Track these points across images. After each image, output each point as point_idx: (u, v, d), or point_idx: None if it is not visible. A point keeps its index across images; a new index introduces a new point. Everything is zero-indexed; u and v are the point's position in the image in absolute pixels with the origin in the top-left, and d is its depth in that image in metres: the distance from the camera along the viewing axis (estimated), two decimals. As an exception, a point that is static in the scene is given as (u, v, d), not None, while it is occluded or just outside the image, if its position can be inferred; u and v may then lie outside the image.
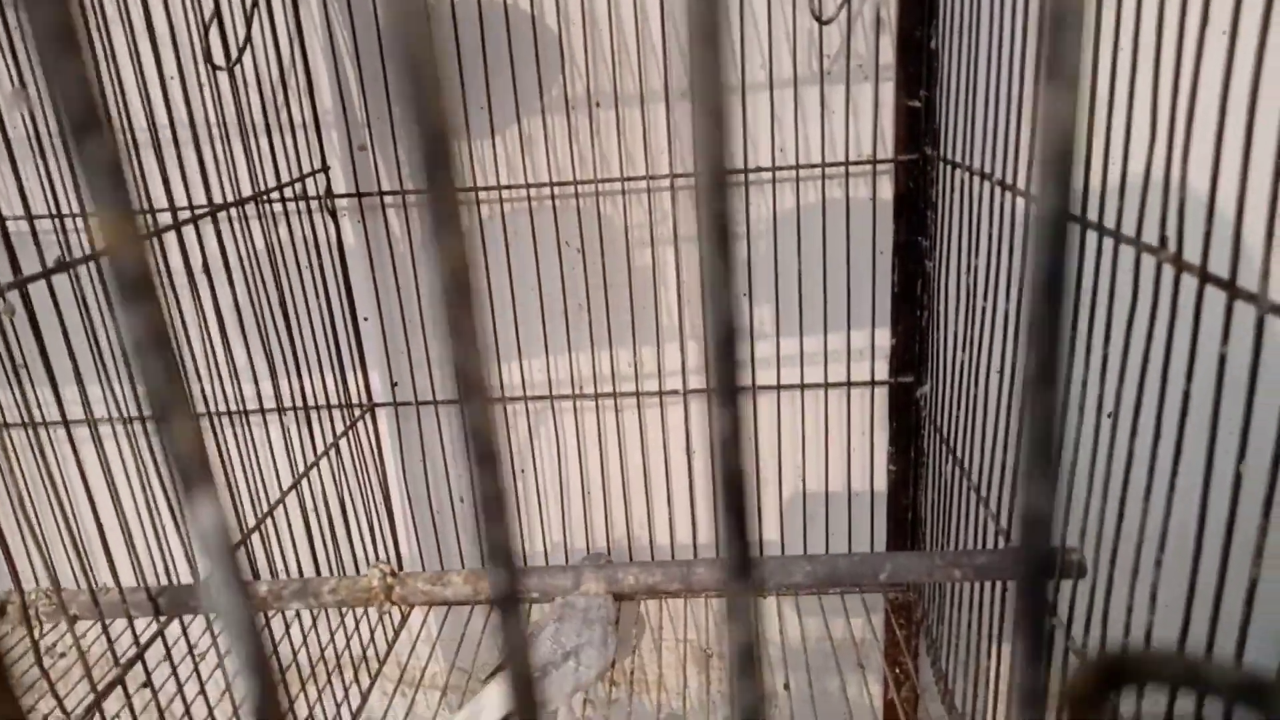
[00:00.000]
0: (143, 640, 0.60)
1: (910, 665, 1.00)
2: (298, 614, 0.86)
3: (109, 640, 0.58)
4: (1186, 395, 0.45)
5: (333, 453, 0.91)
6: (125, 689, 0.57)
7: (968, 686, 0.78)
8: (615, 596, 0.77)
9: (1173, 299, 0.46)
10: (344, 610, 0.94)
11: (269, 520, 0.80)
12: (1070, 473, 0.58)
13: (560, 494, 1.04)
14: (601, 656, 0.92)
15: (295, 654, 0.84)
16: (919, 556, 0.59)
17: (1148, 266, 0.48)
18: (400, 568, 1.06)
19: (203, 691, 0.66)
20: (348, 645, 0.92)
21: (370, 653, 0.96)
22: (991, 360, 0.69)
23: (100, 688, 0.56)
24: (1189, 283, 0.45)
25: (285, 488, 0.82)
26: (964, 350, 0.74)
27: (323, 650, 0.87)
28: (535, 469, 1.03)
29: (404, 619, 1.06)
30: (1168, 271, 0.46)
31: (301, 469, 0.85)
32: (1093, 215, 0.53)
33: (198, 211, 0.69)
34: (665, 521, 1.03)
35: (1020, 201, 0.61)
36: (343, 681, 0.90)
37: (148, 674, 0.59)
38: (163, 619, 0.62)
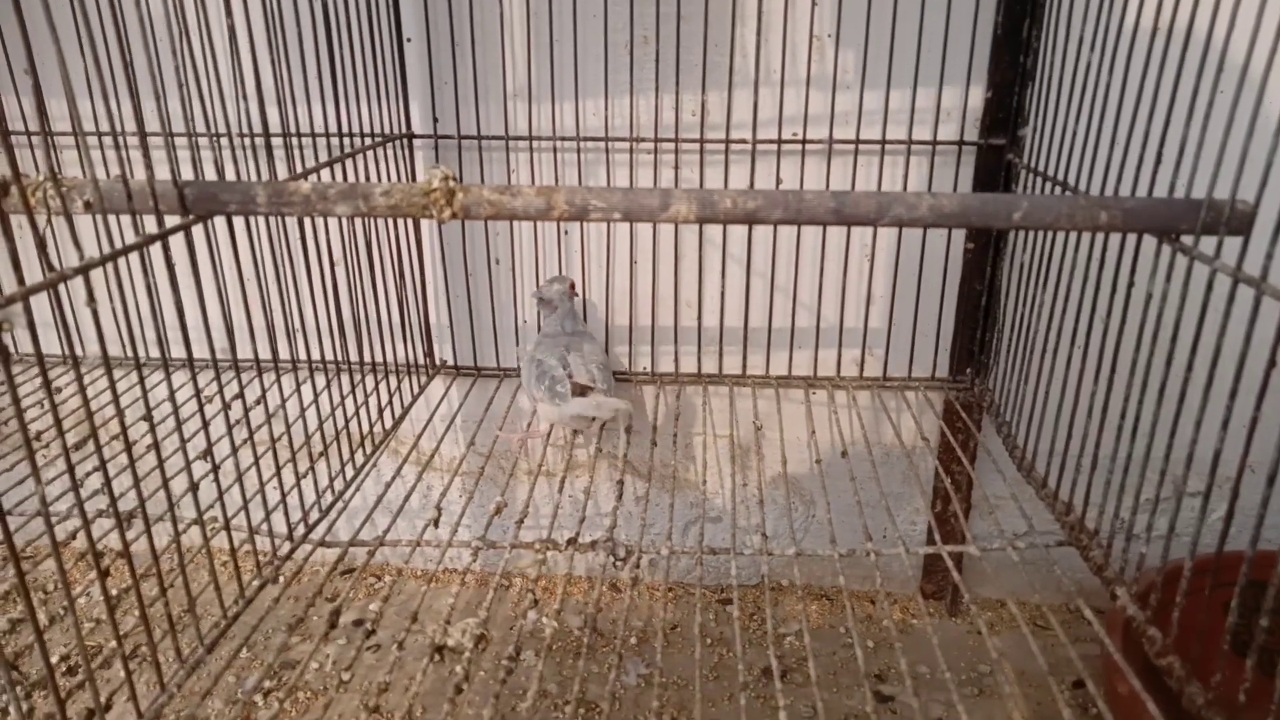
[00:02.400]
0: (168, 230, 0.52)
1: (969, 472, 0.93)
2: (295, 379, 0.76)
3: (137, 222, 0.50)
4: None
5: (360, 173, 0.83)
6: (146, 258, 0.49)
7: (1055, 455, 0.71)
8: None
9: None
10: (361, 375, 0.85)
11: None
12: (1251, 125, 0.50)
13: (606, 256, 0.96)
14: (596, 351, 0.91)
15: (304, 414, 0.73)
16: (1059, 199, 0.52)
17: None
18: (425, 292, 0.99)
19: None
20: (356, 413, 0.82)
21: (379, 427, 0.87)
22: (1126, 85, 0.62)
23: (115, 250, 0.48)
24: None
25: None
26: (1088, 80, 0.67)
27: (333, 410, 0.78)
28: (581, 223, 0.95)
29: (426, 384, 0.98)
30: None
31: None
32: None
33: None
34: (716, 290, 0.96)
35: None
36: (349, 449, 0.79)
37: (169, 262, 0.51)
38: (190, 217, 0.53)
